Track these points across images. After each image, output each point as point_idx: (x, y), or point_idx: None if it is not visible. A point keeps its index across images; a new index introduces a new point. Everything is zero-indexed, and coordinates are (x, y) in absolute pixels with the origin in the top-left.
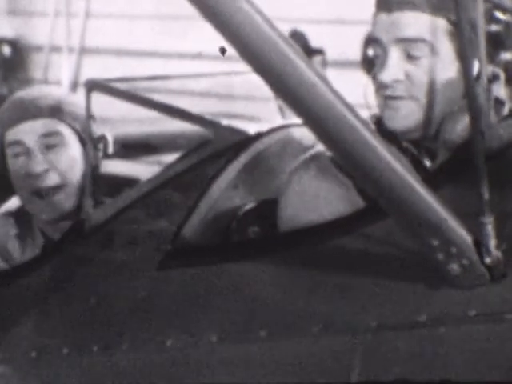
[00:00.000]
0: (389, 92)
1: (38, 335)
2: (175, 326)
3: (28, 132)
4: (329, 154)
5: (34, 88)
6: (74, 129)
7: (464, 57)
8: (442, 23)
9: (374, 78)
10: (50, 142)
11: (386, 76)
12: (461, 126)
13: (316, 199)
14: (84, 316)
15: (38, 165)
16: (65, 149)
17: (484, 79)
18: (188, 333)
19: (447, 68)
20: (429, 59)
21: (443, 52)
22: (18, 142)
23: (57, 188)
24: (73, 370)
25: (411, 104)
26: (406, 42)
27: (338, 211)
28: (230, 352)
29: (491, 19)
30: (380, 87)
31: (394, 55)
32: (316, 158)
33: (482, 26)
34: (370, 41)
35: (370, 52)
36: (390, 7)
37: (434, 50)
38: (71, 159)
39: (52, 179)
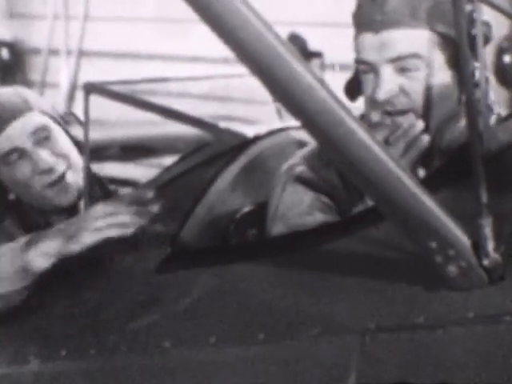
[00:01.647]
0: (389, 107)
1: (35, 338)
2: (174, 328)
3: (18, 135)
4: (299, 169)
5: None
6: (50, 116)
7: (462, 60)
8: (429, 35)
9: (370, 100)
10: (41, 136)
11: (382, 94)
12: (457, 132)
13: (291, 207)
14: (82, 319)
15: (46, 160)
16: (56, 137)
17: (482, 82)
18: (186, 335)
19: (440, 77)
20: (422, 71)
21: (434, 63)
22: (13, 150)
23: (66, 171)
24: (71, 372)
25: (410, 118)
26: (398, 60)
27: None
28: (229, 354)
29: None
30: (375, 106)
31: (386, 73)
32: (289, 170)
33: (480, 30)
34: (359, 63)
35: (365, 70)
36: (375, 27)
37: (426, 63)
38: (67, 144)
39: (61, 166)
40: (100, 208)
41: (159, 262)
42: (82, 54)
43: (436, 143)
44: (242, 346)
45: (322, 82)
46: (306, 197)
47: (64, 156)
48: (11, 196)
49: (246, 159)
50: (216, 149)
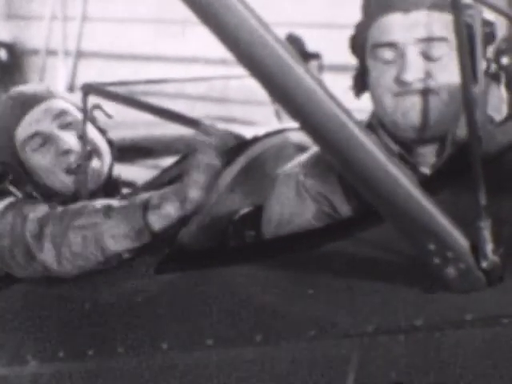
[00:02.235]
0: (411, 89)
1: (33, 339)
2: (171, 329)
3: (41, 119)
4: (299, 176)
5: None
6: (74, 104)
7: (461, 62)
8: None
9: (393, 84)
10: (65, 121)
11: (410, 75)
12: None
13: (293, 219)
14: (80, 320)
15: (68, 141)
16: (79, 123)
17: (481, 84)
18: (184, 336)
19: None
20: (447, 56)
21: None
22: (37, 134)
23: (90, 154)
24: (69, 373)
25: (431, 99)
26: (425, 42)
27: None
28: (226, 356)
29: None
30: (402, 90)
31: (413, 55)
32: (288, 177)
33: (480, 31)
34: (380, 46)
35: (387, 55)
36: (405, 7)
37: (451, 48)
38: (91, 129)
39: (83, 149)
40: (200, 159)
41: (157, 262)
42: (79, 54)
43: (449, 134)
44: (239, 348)
45: (320, 82)
46: (308, 208)
47: (87, 140)
48: (28, 189)
49: (245, 160)
50: None
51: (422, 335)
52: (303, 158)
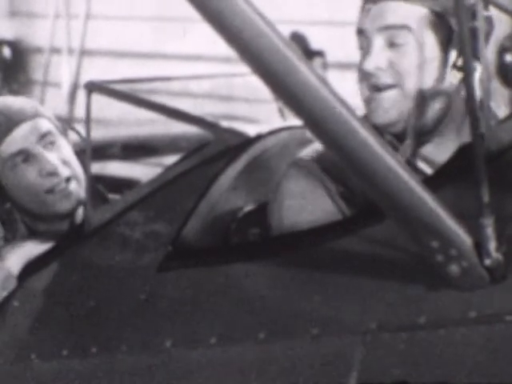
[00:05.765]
0: (373, 80)
1: (37, 337)
2: (174, 327)
3: (26, 138)
4: (308, 159)
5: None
6: (55, 125)
7: (464, 59)
8: (423, 13)
9: (359, 70)
10: (48, 141)
11: (369, 64)
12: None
13: (300, 206)
14: (83, 318)
15: (53, 162)
16: (60, 144)
17: (484, 81)
18: (187, 334)
19: (430, 57)
20: (411, 47)
21: (427, 41)
22: (20, 152)
23: (69, 179)
24: (72, 371)
25: (395, 93)
26: (389, 30)
27: (319, 219)
28: (229, 354)
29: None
30: (364, 77)
31: (377, 43)
32: (297, 164)
33: (482, 28)
34: (358, 33)
35: (363, 44)
36: None
37: (416, 38)
38: (70, 153)
39: (65, 172)
40: None
41: (160, 260)
42: (83, 52)
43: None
44: (243, 346)
45: (324, 80)
46: (324, 192)
47: (67, 163)
48: (7, 205)
49: (248, 158)
50: (218, 148)
51: (425, 333)
52: (310, 148)
